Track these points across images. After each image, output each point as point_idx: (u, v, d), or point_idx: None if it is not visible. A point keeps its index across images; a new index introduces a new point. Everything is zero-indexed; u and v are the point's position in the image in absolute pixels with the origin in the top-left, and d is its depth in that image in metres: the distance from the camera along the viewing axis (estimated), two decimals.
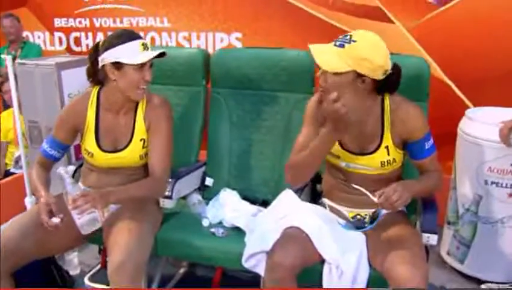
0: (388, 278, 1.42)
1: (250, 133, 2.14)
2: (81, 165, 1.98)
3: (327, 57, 1.47)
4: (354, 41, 1.45)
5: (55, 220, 1.56)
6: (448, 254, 2.34)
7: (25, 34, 3.91)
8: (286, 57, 2.05)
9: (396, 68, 1.53)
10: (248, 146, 2.14)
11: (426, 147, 1.57)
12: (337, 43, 1.47)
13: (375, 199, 1.42)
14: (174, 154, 2.01)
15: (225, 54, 2.17)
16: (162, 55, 1.68)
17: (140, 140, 1.76)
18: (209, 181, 2.12)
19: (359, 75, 1.46)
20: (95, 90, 1.80)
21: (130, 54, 1.62)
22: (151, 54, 1.65)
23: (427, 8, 2.70)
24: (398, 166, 1.64)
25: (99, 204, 1.55)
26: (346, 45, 1.45)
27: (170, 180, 1.87)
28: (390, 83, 1.53)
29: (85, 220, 1.55)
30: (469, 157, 2.15)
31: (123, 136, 1.76)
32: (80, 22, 3.68)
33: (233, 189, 2.08)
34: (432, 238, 1.56)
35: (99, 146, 1.76)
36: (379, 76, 1.47)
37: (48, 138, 1.83)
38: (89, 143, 1.77)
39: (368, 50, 1.45)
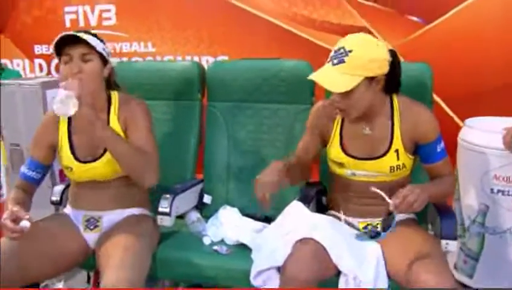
0: (412, 287, 1.33)
1: (249, 148, 2.05)
2: (68, 186, 1.85)
3: (335, 79, 1.41)
4: (350, 51, 1.39)
5: (24, 223, 1.38)
6: (455, 268, 2.25)
7: (2, 61, 3.78)
8: (285, 67, 1.99)
9: (393, 52, 1.49)
10: (247, 161, 2.04)
11: (438, 150, 1.53)
12: (335, 61, 1.41)
13: (390, 201, 1.34)
14: (168, 172, 1.93)
15: (221, 66, 2.11)
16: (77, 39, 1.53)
17: None
18: (207, 199, 2.01)
19: (372, 78, 1.42)
20: None
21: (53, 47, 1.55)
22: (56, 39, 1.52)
23: (413, 26, 2.73)
24: (407, 173, 1.58)
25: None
26: (346, 59, 1.39)
27: (168, 196, 1.76)
28: (395, 74, 1.50)
29: (62, 95, 1.42)
30: (472, 166, 2.10)
31: (98, 142, 1.63)
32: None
33: (233, 206, 1.97)
34: (450, 245, 1.49)
35: (76, 158, 1.65)
36: (386, 69, 1.45)
37: (26, 160, 1.71)
38: (66, 157, 1.66)
39: (369, 51, 1.41)
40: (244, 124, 2.06)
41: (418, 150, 1.55)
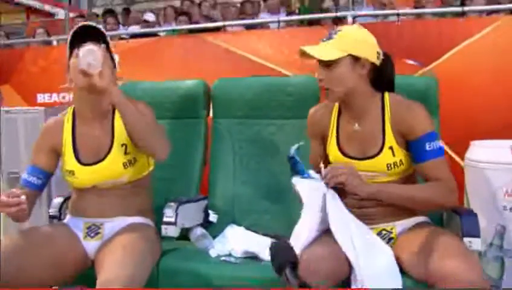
0: (437, 280, 1.21)
1: (256, 164, 1.99)
2: (68, 198, 1.77)
3: (321, 49, 1.46)
4: (340, 30, 1.48)
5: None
6: None
7: (3, 109, 3.79)
8: (292, 83, 2.00)
9: (387, 56, 1.52)
10: (254, 178, 1.98)
11: (428, 148, 1.40)
12: (325, 39, 1.48)
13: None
14: (173, 190, 1.87)
15: (227, 83, 2.10)
16: (94, 31, 1.54)
17: (122, 145, 1.60)
18: (213, 217, 1.91)
19: (356, 60, 1.44)
20: (71, 108, 1.69)
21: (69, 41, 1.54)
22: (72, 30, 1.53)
23: (410, 69, 2.82)
24: (407, 170, 1.49)
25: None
26: (335, 36, 1.46)
27: (172, 204, 1.68)
28: (387, 72, 1.51)
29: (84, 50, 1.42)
30: (481, 184, 2.04)
31: (103, 144, 1.60)
32: (64, 97, 3.65)
33: (240, 225, 1.88)
34: (474, 243, 1.39)
35: (79, 161, 1.59)
36: (374, 57, 1.46)
37: (27, 168, 1.64)
38: (69, 160, 1.61)
39: (357, 32, 1.49)
40: (250, 140, 2.02)
41: (409, 147, 1.46)
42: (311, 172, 1.46)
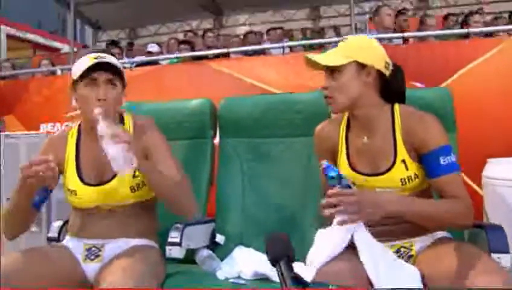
0: None
1: (265, 185, 1.92)
2: (68, 221, 1.68)
3: (325, 55, 1.43)
4: (346, 38, 1.45)
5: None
6: None
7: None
8: (300, 100, 1.94)
9: (397, 66, 1.47)
10: (263, 199, 1.90)
11: (442, 162, 1.32)
12: (330, 48, 1.46)
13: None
14: None
15: (234, 101, 2.04)
16: (105, 65, 1.45)
17: None
18: (219, 238, 1.82)
19: (362, 67, 1.39)
20: (77, 124, 1.63)
21: (78, 68, 1.45)
22: (89, 63, 1.42)
23: None
24: (422, 184, 1.41)
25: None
26: (340, 44, 1.43)
27: (179, 225, 1.60)
28: (396, 84, 1.45)
29: (118, 152, 1.31)
30: (502, 201, 1.96)
31: (108, 165, 1.48)
32: (67, 126, 3.61)
33: (249, 247, 1.79)
34: (503, 259, 1.29)
35: (82, 180, 1.52)
36: (382, 65, 1.41)
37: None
38: (71, 179, 1.53)
39: (363, 39, 1.46)
40: (258, 160, 1.96)
41: (422, 161, 1.38)
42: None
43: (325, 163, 1.32)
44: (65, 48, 8.60)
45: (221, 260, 1.72)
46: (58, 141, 1.61)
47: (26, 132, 2.40)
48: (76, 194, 1.52)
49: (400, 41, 3.15)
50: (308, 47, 4.17)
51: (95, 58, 1.45)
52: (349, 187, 1.29)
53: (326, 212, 1.23)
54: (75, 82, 1.48)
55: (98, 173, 1.53)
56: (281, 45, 3.56)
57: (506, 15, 4.74)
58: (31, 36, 9.15)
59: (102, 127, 1.33)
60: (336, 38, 3.46)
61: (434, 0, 6.90)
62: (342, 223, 1.23)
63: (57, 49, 9.39)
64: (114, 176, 1.51)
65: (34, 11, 11.32)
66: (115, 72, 1.49)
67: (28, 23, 9.59)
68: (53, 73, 4.23)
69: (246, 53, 4.13)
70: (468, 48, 2.89)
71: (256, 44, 4.95)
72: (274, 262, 1.15)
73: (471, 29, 3.05)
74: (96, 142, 1.54)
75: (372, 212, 1.24)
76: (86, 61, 1.45)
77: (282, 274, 1.12)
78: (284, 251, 1.16)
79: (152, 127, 1.60)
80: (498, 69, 2.74)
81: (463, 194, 1.33)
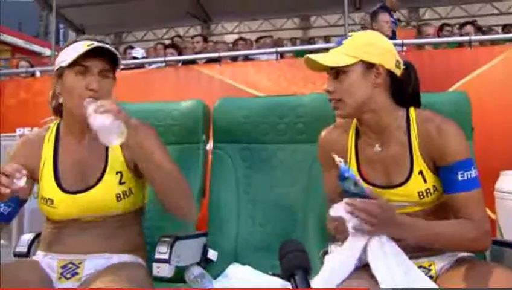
0: None
1: (262, 195, 1.74)
2: (40, 234, 1.49)
3: (328, 55, 1.28)
4: (351, 36, 1.31)
5: (19, 182, 1.12)
6: None
7: None
8: (303, 102, 1.77)
9: (410, 65, 1.32)
10: (260, 211, 1.73)
11: (459, 178, 1.19)
12: (334, 46, 1.30)
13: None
14: (167, 225, 1.63)
15: (229, 103, 1.86)
16: (107, 52, 1.29)
17: (117, 173, 1.34)
18: (212, 254, 1.62)
19: (369, 66, 1.24)
20: (54, 124, 1.43)
21: (69, 55, 1.28)
22: (86, 47, 1.26)
23: None
24: (442, 197, 1.26)
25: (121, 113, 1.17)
26: (345, 41, 1.27)
27: (167, 239, 1.41)
28: (410, 84, 1.30)
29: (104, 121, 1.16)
30: None
31: (92, 169, 1.34)
32: (43, 125, 3.40)
33: (244, 264, 1.60)
34: None
35: (60, 187, 1.32)
36: (392, 64, 1.25)
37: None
38: (47, 186, 1.34)
39: (370, 35, 1.31)
40: (256, 168, 1.78)
41: (439, 173, 1.24)
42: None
43: (340, 161, 1.17)
44: (46, 52, 8.35)
45: (214, 278, 1.55)
46: (32, 142, 1.41)
47: (1, 134, 2.18)
48: (52, 203, 1.32)
49: (399, 48, 3.03)
50: (301, 55, 4.05)
51: (88, 45, 1.27)
52: (368, 197, 1.14)
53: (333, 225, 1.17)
54: (61, 72, 1.30)
55: (79, 179, 1.34)
56: (273, 50, 3.41)
57: (499, 29, 4.71)
58: (10, 38, 8.84)
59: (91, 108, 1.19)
60: (332, 44, 3.33)
61: (425, 12, 6.89)
62: (355, 228, 1.13)
63: (37, 53, 9.09)
64: (98, 181, 1.33)
65: (13, 13, 10.99)
66: (110, 62, 1.31)
67: (7, 26, 9.28)
68: (32, 75, 4.00)
69: (236, 60, 3.99)
70: (472, 55, 2.78)
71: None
72: (288, 275, 1.04)
73: (474, 37, 2.95)
74: (78, 143, 1.36)
75: (387, 232, 1.15)
76: (78, 47, 1.28)
77: (297, 287, 1.01)
78: (300, 262, 1.05)
79: (146, 126, 1.42)
80: (502, 77, 2.64)
81: (479, 216, 1.19)
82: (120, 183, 1.34)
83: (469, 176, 1.19)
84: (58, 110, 1.41)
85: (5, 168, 1.12)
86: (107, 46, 1.29)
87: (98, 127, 1.16)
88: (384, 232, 1.15)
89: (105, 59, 1.30)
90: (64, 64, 1.28)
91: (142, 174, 1.37)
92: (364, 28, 3.17)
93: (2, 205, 1.31)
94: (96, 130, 1.16)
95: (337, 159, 1.18)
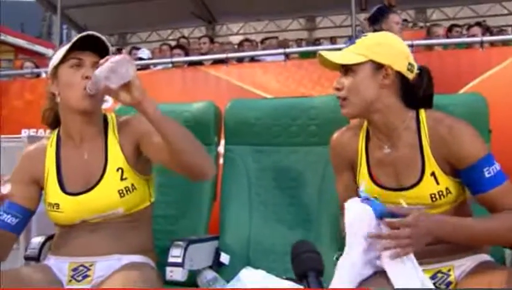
0: None
1: (274, 198, 1.72)
2: (52, 236, 1.47)
3: (339, 53, 1.28)
4: (365, 35, 1.30)
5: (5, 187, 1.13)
6: None
7: None
8: (315, 104, 1.75)
9: (424, 69, 1.29)
10: (272, 214, 1.70)
11: (487, 175, 1.16)
12: (347, 44, 1.30)
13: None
14: (177, 229, 1.64)
15: (241, 105, 1.84)
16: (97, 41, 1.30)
17: (117, 170, 1.34)
18: (224, 258, 1.60)
19: (378, 66, 1.22)
20: (54, 132, 1.43)
21: (61, 51, 1.30)
22: (77, 36, 1.29)
23: None
24: (457, 199, 1.24)
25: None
26: (357, 40, 1.27)
27: (180, 243, 1.39)
28: (421, 89, 1.27)
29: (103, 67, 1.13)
30: None
31: (93, 169, 1.34)
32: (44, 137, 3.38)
33: (257, 268, 1.58)
34: None
35: (64, 191, 1.33)
36: (403, 67, 1.23)
37: (4, 204, 1.32)
38: (52, 191, 1.34)
39: (382, 36, 1.29)
40: (268, 170, 1.75)
41: (461, 176, 1.22)
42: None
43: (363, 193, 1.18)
44: (49, 53, 8.34)
45: (227, 282, 1.52)
46: (35, 154, 1.41)
47: (5, 136, 2.16)
48: (59, 207, 1.32)
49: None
50: (307, 56, 4.02)
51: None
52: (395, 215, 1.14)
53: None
54: (55, 71, 1.31)
55: (82, 181, 1.34)
56: (281, 51, 3.39)
57: (508, 29, 4.67)
58: (13, 39, 8.84)
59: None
60: (338, 45, 3.30)
61: (432, 13, 6.85)
62: (394, 257, 1.11)
63: (40, 54, 9.08)
64: (99, 181, 1.33)
65: (15, 14, 10.97)
66: (101, 55, 1.28)
67: (10, 27, 9.28)
68: (37, 76, 3.99)
69: (242, 61, 3.96)
70: (483, 56, 2.74)
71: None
72: (301, 276, 1.03)
73: (486, 38, 2.92)
74: (78, 147, 1.37)
75: (426, 240, 1.12)
76: (70, 44, 1.29)
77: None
78: (313, 263, 1.04)
79: (137, 117, 1.37)
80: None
81: None
82: (122, 179, 1.34)
83: (495, 171, 1.18)
84: (54, 121, 1.41)
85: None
86: (97, 34, 1.30)
87: (96, 74, 1.15)
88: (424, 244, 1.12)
89: (97, 52, 1.31)
90: (57, 61, 1.30)
91: (144, 170, 1.38)
92: (375, 31, 3.14)
93: (9, 216, 1.30)
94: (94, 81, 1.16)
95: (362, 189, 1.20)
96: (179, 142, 1.20)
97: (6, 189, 1.15)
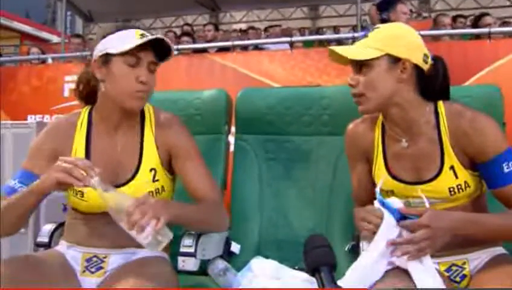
0: None
1: (285, 188, 1.71)
2: (63, 224, 1.45)
3: (353, 48, 1.23)
4: (378, 28, 1.25)
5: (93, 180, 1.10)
6: None
7: None
8: (327, 94, 1.74)
9: (438, 59, 1.26)
10: (283, 204, 1.70)
11: (506, 170, 1.15)
12: (359, 39, 1.25)
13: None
14: None
15: (253, 93, 1.83)
16: (164, 45, 1.26)
17: (150, 170, 1.32)
18: (235, 247, 1.60)
19: (395, 61, 1.18)
20: (85, 110, 1.38)
21: (121, 42, 1.23)
22: (145, 38, 1.22)
23: None
24: (475, 193, 1.23)
25: (161, 215, 1.09)
26: (370, 34, 1.22)
27: (192, 232, 1.38)
28: (438, 80, 1.24)
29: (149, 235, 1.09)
30: None
31: (126, 164, 1.31)
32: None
33: (267, 257, 1.57)
34: None
35: None
36: (419, 59, 1.20)
37: (16, 173, 1.29)
38: None
39: (397, 28, 1.24)
40: (280, 160, 1.74)
41: (479, 170, 1.21)
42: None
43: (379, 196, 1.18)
44: (54, 39, 8.29)
45: (237, 271, 1.52)
46: (65, 127, 1.35)
47: (13, 121, 2.15)
48: (82, 196, 1.28)
49: None
50: (310, 45, 4.00)
51: (141, 34, 1.24)
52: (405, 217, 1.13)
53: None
54: (107, 58, 1.25)
55: (112, 175, 1.29)
56: (288, 39, 3.36)
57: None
58: (19, 25, 8.78)
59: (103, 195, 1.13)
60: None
61: (435, 3, 6.79)
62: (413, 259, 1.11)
63: (45, 40, 9.04)
64: (132, 177, 1.30)
65: (21, 1, 10.92)
66: (156, 55, 1.27)
67: (16, 14, 9.24)
68: (43, 62, 3.96)
69: (246, 49, 3.94)
70: (491, 47, 2.72)
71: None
72: (313, 270, 1.03)
73: (493, 29, 2.89)
74: (112, 134, 1.33)
75: (443, 241, 1.12)
76: (131, 35, 1.24)
77: (322, 285, 1.00)
78: (325, 257, 1.05)
79: (179, 123, 1.39)
80: None
81: None
82: (154, 180, 1.31)
83: None
84: (86, 97, 1.37)
85: (77, 162, 1.11)
86: (163, 37, 1.25)
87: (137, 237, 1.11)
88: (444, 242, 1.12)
89: (154, 52, 1.27)
90: (114, 51, 1.23)
91: (172, 170, 1.36)
92: (383, 21, 3.10)
93: (25, 186, 1.21)
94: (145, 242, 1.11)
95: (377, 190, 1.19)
96: (196, 228, 1.34)
97: (94, 182, 1.11)
